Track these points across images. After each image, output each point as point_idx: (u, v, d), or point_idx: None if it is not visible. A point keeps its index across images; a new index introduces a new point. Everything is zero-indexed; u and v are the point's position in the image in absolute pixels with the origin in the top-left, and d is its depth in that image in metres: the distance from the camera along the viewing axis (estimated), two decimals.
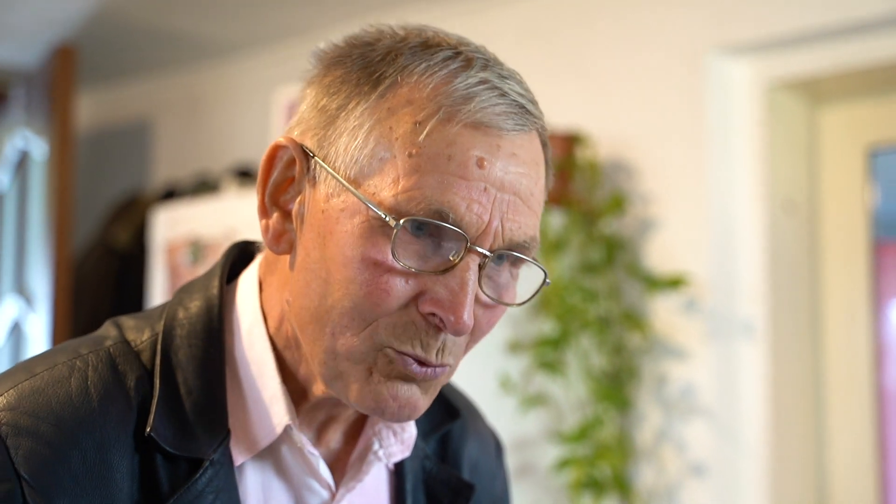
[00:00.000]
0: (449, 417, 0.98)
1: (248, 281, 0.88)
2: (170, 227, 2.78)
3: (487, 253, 0.76)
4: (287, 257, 0.83)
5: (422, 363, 0.78)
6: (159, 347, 0.83)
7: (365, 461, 0.88)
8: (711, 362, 2.32)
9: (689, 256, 2.35)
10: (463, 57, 0.78)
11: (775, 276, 2.35)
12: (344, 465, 0.89)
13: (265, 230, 0.82)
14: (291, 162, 0.81)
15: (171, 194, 3.26)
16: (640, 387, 2.38)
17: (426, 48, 0.79)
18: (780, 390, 2.34)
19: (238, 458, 0.83)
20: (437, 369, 0.79)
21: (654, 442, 2.37)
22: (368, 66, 0.79)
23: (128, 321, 0.87)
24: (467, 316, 0.75)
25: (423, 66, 0.77)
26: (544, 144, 0.82)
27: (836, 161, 2.44)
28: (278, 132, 2.72)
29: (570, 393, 2.36)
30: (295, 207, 0.81)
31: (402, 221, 0.74)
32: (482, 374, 2.26)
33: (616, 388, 2.34)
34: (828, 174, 2.45)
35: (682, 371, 2.35)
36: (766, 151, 2.36)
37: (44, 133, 3.16)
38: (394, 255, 0.75)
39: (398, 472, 0.93)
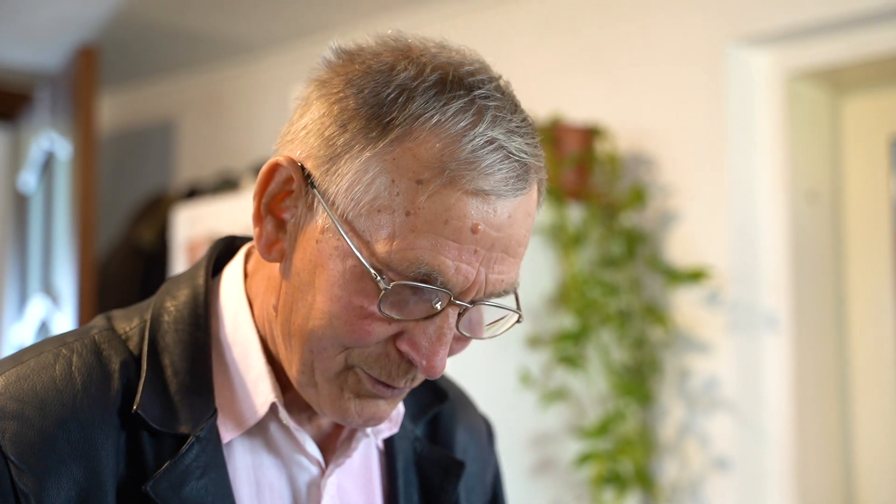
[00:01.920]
0: (437, 400, 1.02)
1: (233, 272, 0.92)
2: (191, 225, 2.80)
3: (468, 305, 0.80)
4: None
5: (389, 386, 0.83)
6: (147, 333, 0.87)
7: (353, 438, 0.91)
8: (734, 355, 2.30)
9: (711, 249, 2.33)
10: (475, 109, 0.78)
11: (798, 268, 2.33)
12: (335, 445, 0.92)
13: (258, 237, 0.85)
14: (289, 179, 0.84)
15: (193, 193, 3.29)
16: (662, 381, 2.37)
17: (441, 93, 0.79)
18: (804, 383, 2.31)
19: (226, 435, 0.86)
20: (405, 389, 0.85)
21: (676, 436, 2.36)
22: (380, 107, 0.79)
23: (117, 312, 0.92)
24: (439, 363, 0.80)
25: (435, 119, 0.78)
26: (541, 187, 0.84)
27: (859, 151, 2.41)
28: None
29: (591, 387, 2.35)
30: (290, 220, 0.84)
31: (391, 285, 0.77)
32: (502, 369, 2.25)
33: (638, 382, 2.33)
34: (851, 164, 2.42)
35: (705, 364, 2.33)
36: (787, 142, 2.33)
37: (68, 134, 3.19)
38: (380, 309, 0.78)
39: (388, 453, 0.96)
